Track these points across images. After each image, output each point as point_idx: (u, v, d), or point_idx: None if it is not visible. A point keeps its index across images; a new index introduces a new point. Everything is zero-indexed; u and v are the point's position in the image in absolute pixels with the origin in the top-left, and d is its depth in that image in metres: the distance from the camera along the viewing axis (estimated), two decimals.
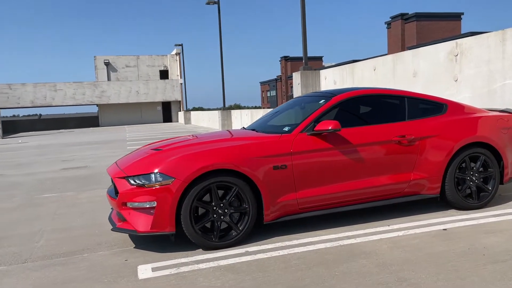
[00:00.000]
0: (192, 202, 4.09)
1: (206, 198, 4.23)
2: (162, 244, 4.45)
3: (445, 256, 3.70)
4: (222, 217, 4.25)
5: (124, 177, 4.25)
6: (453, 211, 5.08)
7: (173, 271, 3.72)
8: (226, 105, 27.24)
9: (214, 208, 4.22)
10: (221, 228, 4.27)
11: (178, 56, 41.79)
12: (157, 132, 28.14)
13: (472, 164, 5.11)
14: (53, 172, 10.93)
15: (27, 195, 7.79)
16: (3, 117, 54.89)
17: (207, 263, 3.85)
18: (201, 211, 4.24)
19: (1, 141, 27.30)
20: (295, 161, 4.43)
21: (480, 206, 5.12)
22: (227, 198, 4.23)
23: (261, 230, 4.68)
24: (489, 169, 5.17)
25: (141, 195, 4.11)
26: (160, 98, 41.62)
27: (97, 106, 42.44)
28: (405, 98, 5.13)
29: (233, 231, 4.28)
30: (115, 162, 4.96)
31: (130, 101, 41.05)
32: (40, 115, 59.34)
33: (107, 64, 42.25)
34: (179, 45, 37.47)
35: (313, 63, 61.22)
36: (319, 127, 4.52)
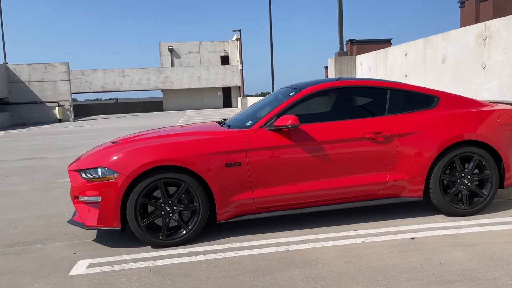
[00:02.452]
0: (137, 198, 4.00)
1: (157, 194, 4.13)
2: (122, 239, 4.40)
3: (387, 271, 3.31)
4: (170, 215, 4.12)
5: (76, 170, 4.26)
6: (438, 217, 4.56)
7: (105, 268, 3.68)
8: None
9: (162, 205, 4.10)
10: (170, 226, 4.16)
11: (238, 42, 41.91)
12: (212, 117, 28.56)
13: (466, 165, 4.53)
14: None
15: (47, 179, 8.17)
16: (84, 100, 58.96)
17: (142, 263, 3.76)
18: (151, 208, 4.15)
19: (69, 124, 29.14)
20: (251, 158, 4.18)
21: (472, 212, 4.55)
22: (175, 195, 4.10)
23: (221, 229, 4.50)
24: (485, 171, 4.55)
25: (89, 189, 4.10)
26: (220, 83, 42.14)
27: (161, 91, 43.94)
28: (387, 90, 4.64)
29: (182, 229, 4.14)
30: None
31: (192, 87, 42.00)
32: (117, 99, 62.61)
33: (171, 50, 43.42)
34: (237, 30, 37.56)
35: (381, 46, 58.47)
36: (278, 122, 4.22)
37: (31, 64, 34.40)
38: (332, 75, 12.67)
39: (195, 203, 4.13)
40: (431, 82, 9.11)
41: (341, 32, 12.71)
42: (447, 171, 4.56)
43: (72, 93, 40.83)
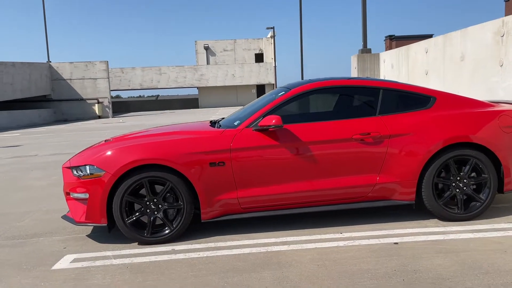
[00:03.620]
0: (122, 196, 4.10)
1: (144, 192, 4.21)
2: (114, 235, 4.49)
3: (357, 276, 3.23)
4: (155, 213, 4.20)
5: (68, 167, 4.40)
6: (432, 221, 4.41)
7: (86, 264, 3.79)
8: None
9: (147, 203, 4.18)
10: (157, 223, 4.24)
11: (272, 39, 41.88)
12: None
13: (464, 169, 4.35)
14: None
15: None
16: (128, 97, 61.05)
17: (123, 259, 3.85)
18: (137, 206, 4.24)
19: (107, 120, 30.06)
20: (235, 158, 4.18)
21: (468, 217, 4.37)
22: (160, 193, 4.17)
23: (208, 228, 4.54)
24: (482, 175, 4.36)
25: (78, 186, 4.23)
26: (254, 81, 42.27)
27: (197, 88, 44.57)
28: (380, 90, 4.52)
29: (167, 227, 4.21)
30: None
31: (227, 84, 42.37)
32: (158, 96, 64.02)
33: (207, 48, 43.94)
34: (271, 28, 37.50)
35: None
36: (263, 122, 4.20)
37: (72, 62, 35.76)
38: (354, 73, 12.44)
39: (179, 202, 4.18)
40: (450, 81, 8.77)
41: (365, 28, 12.45)
42: (442, 174, 4.39)
43: (112, 90, 42.20)
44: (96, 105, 35.15)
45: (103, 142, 4.76)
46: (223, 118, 5.35)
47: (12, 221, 5.30)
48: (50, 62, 35.71)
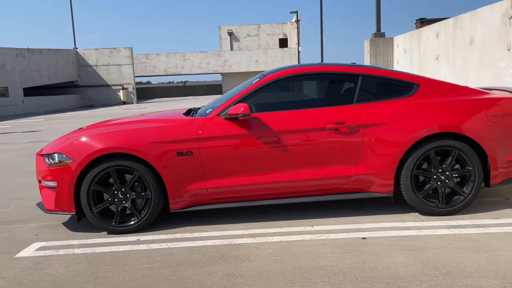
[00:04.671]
0: (89, 184, 4.05)
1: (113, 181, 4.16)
2: (89, 223, 4.47)
3: (310, 273, 3.09)
4: (123, 202, 4.15)
5: (41, 155, 4.39)
6: (411, 215, 4.19)
7: (48, 252, 3.78)
8: None
9: (115, 192, 4.13)
10: (126, 213, 4.19)
11: (297, 24, 41.18)
12: None
13: (447, 160, 4.10)
14: None
15: None
16: (158, 83, 61.82)
17: (86, 249, 3.82)
18: (106, 195, 4.20)
19: (130, 106, 30.44)
20: (204, 147, 4.07)
21: (450, 212, 4.13)
22: (128, 183, 4.11)
23: (181, 218, 4.46)
24: (467, 167, 4.10)
25: (48, 174, 4.21)
26: (278, 66, 41.85)
27: (220, 74, 44.50)
28: (358, 77, 4.29)
29: (135, 217, 4.15)
30: None
31: (250, 70, 42.03)
32: (185, 82, 64.41)
33: (230, 34, 43.65)
34: (294, 12, 36.82)
35: None
36: (232, 110, 4.06)
37: (98, 49, 36.28)
38: (367, 58, 12.05)
39: (147, 192, 4.11)
40: (460, 66, 8.33)
41: (378, 10, 12.01)
42: (424, 166, 4.16)
43: (137, 76, 42.71)
44: (121, 91, 35.65)
45: (78, 129, 4.72)
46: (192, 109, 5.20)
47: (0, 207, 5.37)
48: (77, 48, 36.34)
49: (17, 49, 29.16)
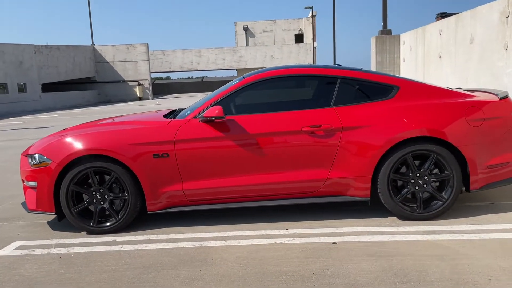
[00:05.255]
0: (68, 185, 4.12)
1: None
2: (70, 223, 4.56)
3: (270, 279, 3.09)
4: (101, 203, 4.20)
5: (25, 155, 4.48)
6: (389, 220, 4.14)
7: (25, 252, 3.87)
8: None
9: (94, 193, 4.19)
10: (105, 213, 4.24)
11: (313, 19, 40.88)
12: None
13: (425, 165, 4.04)
14: None
15: None
16: (177, 79, 62.35)
17: (61, 249, 3.89)
18: (86, 196, 4.26)
19: (145, 102, 30.76)
20: (179, 149, 4.09)
21: (427, 217, 4.06)
22: (106, 184, 4.16)
23: (162, 219, 4.50)
24: (445, 172, 4.02)
25: (29, 174, 4.30)
26: (293, 62, 41.58)
27: (236, 70, 44.54)
28: (337, 79, 4.24)
29: (112, 218, 4.21)
30: None
31: (266, 66, 42.04)
32: (203, 77, 64.69)
33: (246, 29, 43.63)
34: (309, 7, 36.55)
35: None
36: (207, 113, 4.07)
37: (114, 45, 36.71)
38: (373, 55, 11.90)
39: (125, 193, 4.15)
40: (461, 65, 8.13)
41: (385, 6, 11.84)
42: (402, 170, 4.10)
43: (154, 72, 43.09)
44: (137, 87, 36.02)
45: (62, 130, 4.80)
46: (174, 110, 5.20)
47: None
48: (94, 45, 36.84)
49: (35, 45, 29.73)
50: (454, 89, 4.40)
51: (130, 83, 36.50)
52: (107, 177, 4.26)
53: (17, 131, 14.42)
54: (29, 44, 29.17)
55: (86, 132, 4.28)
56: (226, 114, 4.17)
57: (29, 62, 28.97)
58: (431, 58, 9.57)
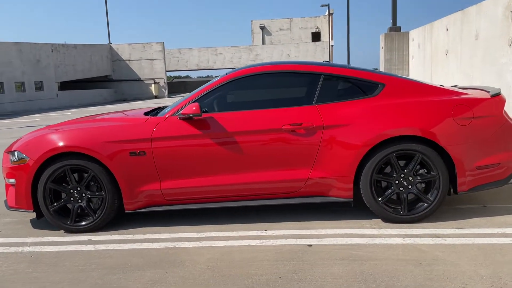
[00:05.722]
0: (45, 183, 4.08)
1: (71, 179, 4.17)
2: None
3: (234, 283, 2.97)
4: (79, 201, 4.15)
5: (7, 152, 4.46)
6: (372, 222, 3.98)
7: (1, 249, 3.83)
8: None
9: (71, 191, 4.14)
10: (85, 212, 4.19)
11: (330, 17, 40.44)
12: None
13: (416, 166, 3.86)
14: None
15: None
16: (197, 77, 62.82)
17: (35, 247, 3.85)
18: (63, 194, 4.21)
19: (160, 100, 30.91)
20: (156, 147, 4.00)
21: (412, 219, 3.89)
22: (83, 182, 4.11)
23: (143, 218, 4.43)
24: (431, 173, 3.84)
25: (9, 172, 4.27)
26: (310, 60, 41.36)
27: None
28: (320, 76, 4.09)
29: (90, 216, 4.15)
30: None
31: None
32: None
33: (262, 28, 43.46)
34: (326, 5, 36.18)
35: None
36: (185, 110, 3.97)
37: (131, 44, 37.04)
38: (382, 53, 11.63)
39: (102, 192, 4.09)
40: (466, 63, 7.84)
41: (394, 2, 11.58)
42: (387, 170, 3.94)
43: (170, 70, 43.36)
44: (153, 85, 36.26)
45: (45, 127, 4.77)
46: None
47: None
48: (111, 43, 37.23)
49: (52, 44, 30.17)
50: (445, 87, 4.20)
51: (146, 82, 36.76)
52: (86, 175, 4.21)
53: (28, 129, 14.60)
54: (46, 43, 29.63)
55: (64, 129, 4.23)
56: (208, 112, 4.08)
57: (46, 60, 29.42)
58: (438, 55, 9.28)
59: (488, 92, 4.01)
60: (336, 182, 3.93)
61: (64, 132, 4.16)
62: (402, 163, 3.92)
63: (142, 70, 36.82)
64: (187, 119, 4.01)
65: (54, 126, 4.49)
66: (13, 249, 3.84)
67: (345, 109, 3.93)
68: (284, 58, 41.79)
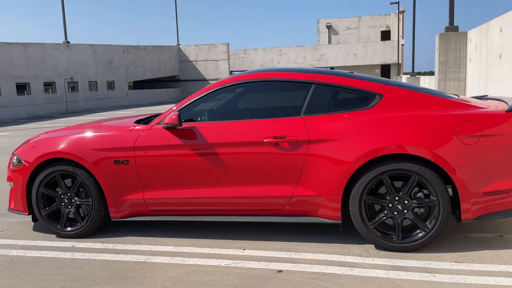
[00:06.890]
0: (38, 187, 4.15)
1: (63, 185, 4.20)
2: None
3: None
4: (69, 207, 4.17)
5: (13, 154, 4.60)
6: (362, 247, 3.59)
7: None
8: None
9: (61, 196, 4.18)
10: (69, 217, 4.21)
11: (401, 15, 38.63)
12: None
13: (412, 188, 3.43)
14: None
15: None
16: None
17: (20, 251, 3.92)
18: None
19: None
20: (139, 156, 3.91)
21: (407, 248, 3.45)
22: (72, 188, 4.13)
23: (131, 227, 4.37)
24: (430, 197, 3.38)
25: (10, 174, 4.41)
26: (378, 60, 39.67)
27: None
28: (310, 85, 3.76)
29: (78, 222, 4.16)
30: None
31: (348, 64, 40.60)
32: None
33: (329, 27, 42.59)
34: (395, 2, 34.54)
35: None
36: (167, 120, 3.84)
37: (197, 45, 38.03)
38: (437, 54, 10.78)
39: (89, 199, 4.08)
40: None
41: (452, 3, 10.72)
42: (380, 191, 3.54)
43: (234, 71, 43.86)
44: None
45: (50, 131, 4.87)
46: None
47: None
48: (179, 45, 38.44)
49: (124, 46, 31.71)
50: (455, 99, 3.70)
51: (210, 82, 37.51)
52: (76, 182, 4.22)
53: None
54: (118, 45, 31.19)
55: (57, 135, 4.28)
56: (194, 121, 3.93)
57: (117, 61, 30.96)
58: (493, 58, 8.38)
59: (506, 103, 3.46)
60: (323, 201, 3.59)
61: (57, 138, 4.20)
62: (400, 184, 3.50)
63: (207, 71, 37.65)
64: (170, 128, 3.87)
65: (53, 132, 4.56)
66: (1, 251, 3.93)
67: (335, 122, 3.57)
68: (350, 58, 40.68)
